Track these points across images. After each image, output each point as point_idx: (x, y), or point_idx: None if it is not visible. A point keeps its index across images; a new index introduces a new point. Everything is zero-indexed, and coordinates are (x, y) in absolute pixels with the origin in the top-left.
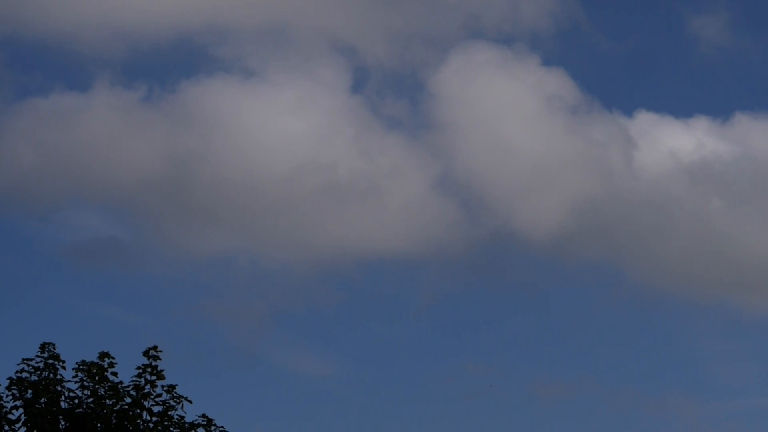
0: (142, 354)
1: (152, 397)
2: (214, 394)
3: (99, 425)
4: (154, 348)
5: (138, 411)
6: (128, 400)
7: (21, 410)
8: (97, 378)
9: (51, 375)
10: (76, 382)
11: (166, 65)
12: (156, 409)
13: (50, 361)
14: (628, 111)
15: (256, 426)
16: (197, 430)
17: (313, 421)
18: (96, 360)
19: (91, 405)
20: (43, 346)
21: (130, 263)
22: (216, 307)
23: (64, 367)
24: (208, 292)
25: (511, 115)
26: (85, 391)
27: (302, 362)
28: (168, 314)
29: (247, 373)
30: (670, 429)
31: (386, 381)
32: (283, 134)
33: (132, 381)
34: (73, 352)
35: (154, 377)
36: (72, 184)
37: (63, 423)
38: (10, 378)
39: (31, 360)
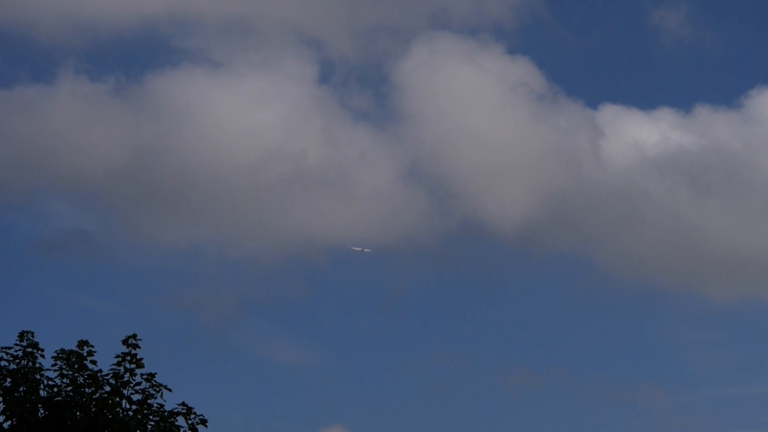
0: (121, 342)
1: (132, 385)
2: (192, 383)
3: (78, 414)
4: (134, 336)
5: (117, 399)
6: (107, 388)
7: (0, 399)
8: (76, 366)
9: (30, 363)
10: (55, 370)
11: (130, 56)
12: (135, 397)
13: (29, 350)
14: (593, 103)
15: (234, 413)
16: (177, 418)
17: (287, 408)
18: (75, 348)
19: (71, 393)
20: (21, 335)
21: (99, 254)
22: (188, 297)
23: (43, 356)
24: (179, 283)
25: (477, 104)
26: (64, 380)
27: (275, 351)
28: (140, 304)
29: (222, 361)
30: (641, 418)
31: (357, 370)
32: (250, 124)
33: (111, 369)
34: (49, 341)
35: (133, 366)
36: (40, 176)
37: (42, 411)
38: None
39: (9, 348)
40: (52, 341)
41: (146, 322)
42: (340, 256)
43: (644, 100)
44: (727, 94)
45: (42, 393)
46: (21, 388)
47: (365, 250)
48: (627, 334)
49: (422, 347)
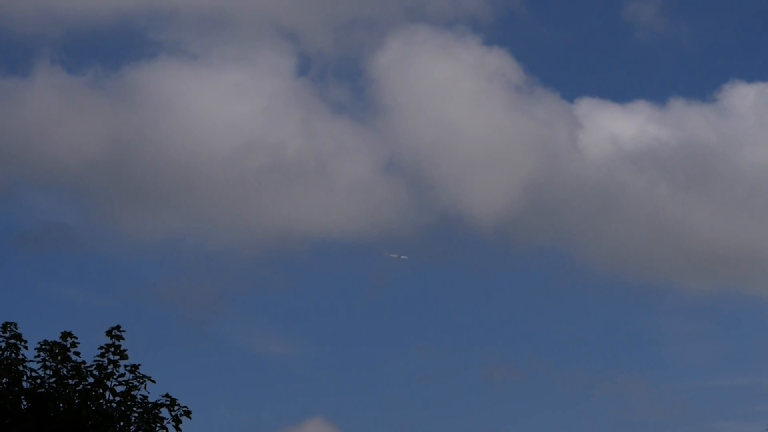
0: (104, 334)
1: (115, 377)
2: (174, 374)
3: (61, 405)
4: (117, 328)
5: (101, 391)
6: (91, 380)
7: None
8: (59, 358)
9: (13, 355)
10: (38, 362)
11: (107, 48)
12: (119, 389)
13: (12, 341)
14: (570, 95)
15: (216, 404)
16: (160, 410)
17: (268, 399)
18: (58, 340)
19: (54, 385)
20: (4, 326)
21: (79, 246)
22: (167, 289)
23: (26, 347)
24: (158, 275)
25: (454, 96)
26: (48, 371)
27: (256, 342)
28: (121, 296)
29: (203, 352)
30: (622, 409)
31: (337, 362)
32: (228, 116)
33: (95, 361)
34: (31, 333)
35: (117, 357)
36: (17, 168)
37: (25, 403)
38: None
39: None
40: (34, 333)
41: (127, 314)
42: (320, 247)
43: (620, 93)
44: (702, 88)
45: (25, 384)
46: (4, 380)
47: (402, 257)
48: (607, 327)
49: (402, 339)
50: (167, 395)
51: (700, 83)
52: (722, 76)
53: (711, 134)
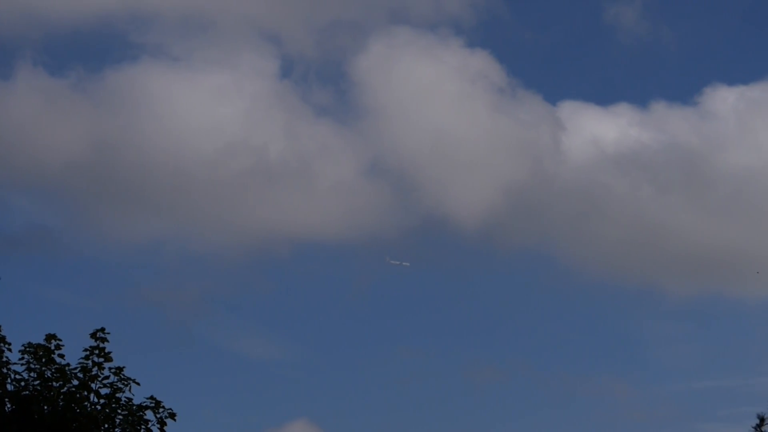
0: (89, 336)
1: (100, 379)
2: (158, 376)
3: (46, 407)
4: (102, 330)
5: (85, 393)
6: (75, 382)
7: None
8: (43, 360)
9: None
10: (22, 364)
11: (89, 50)
12: (103, 391)
13: None
14: (552, 98)
15: (200, 406)
16: (145, 412)
17: (252, 401)
18: (43, 342)
19: (38, 387)
20: None
21: (62, 249)
22: (151, 291)
23: (10, 350)
24: (142, 277)
25: (437, 98)
26: (32, 374)
27: (239, 345)
28: (104, 298)
29: (187, 355)
30: (606, 411)
31: (321, 364)
32: (211, 119)
33: (79, 363)
34: (14, 335)
35: (101, 359)
36: (0, 170)
37: (9, 405)
38: None
39: None
40: (18, 335)
41: (111, 316)
42: (303, 249)
43: (602, 95)
44: (683, 91)
45: (9, 387)
46: None
47: (404, 263)
48: (590, 329)
49: (386, 341)
50: (152, 397)
51: (682, 86)
52: (703, 79)
53: (693, 137)
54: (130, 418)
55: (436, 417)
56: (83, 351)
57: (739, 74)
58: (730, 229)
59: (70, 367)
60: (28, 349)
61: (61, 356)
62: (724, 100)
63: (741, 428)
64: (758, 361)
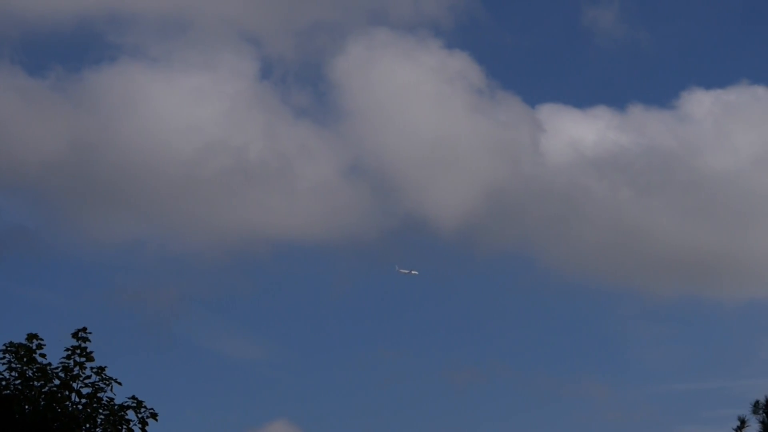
0: (71, 336)
1: (81, 378)
2: (137, 376)
3: (27, 407)
4: (84, 330)
5: (67, 393)
6: (57, 382)
7: None
8: (25, 360)
9: None
10: (3, 363)
11: (67, 50)
12: (85, 391)
13: None
14: (531, 100)
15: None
16: (127, 412)
17: (231, 402)
18: (24, 341)
19: (19, 387)
20: None
21: (40, 249)
22: (130, 292)
23: None
24: (121, 277)
25: (416, 99)
26: (13, 373)
27: (219, 345)
28: (83, 298)
29: (167, 355)
30: (586, 413)
31: (300, 365)
32: (190, 119)
33: (61, 363)
34: None
35: (83, 359)
36: None
37: None
38: None
39: None
40: None
41: (91, 316)
42: (283, 250)
43: (580, 98)
44: (660, 95)
45: None
46: None
47: (412, 272)
48: (570, 331)
49: (366, 342)
50: (134, 397)
51: (660, 90)
52: (681, 83)
53: (671, 140)
54: (111, 417)
55: (416, 418)
56: (65, 350)
57: (716, 78)
58: (709, 231)
59: (52, 367)
60: (9, 348)
61: (43, 356)
62: (701, 104)
63: (721, 430)
64: (738, 363)
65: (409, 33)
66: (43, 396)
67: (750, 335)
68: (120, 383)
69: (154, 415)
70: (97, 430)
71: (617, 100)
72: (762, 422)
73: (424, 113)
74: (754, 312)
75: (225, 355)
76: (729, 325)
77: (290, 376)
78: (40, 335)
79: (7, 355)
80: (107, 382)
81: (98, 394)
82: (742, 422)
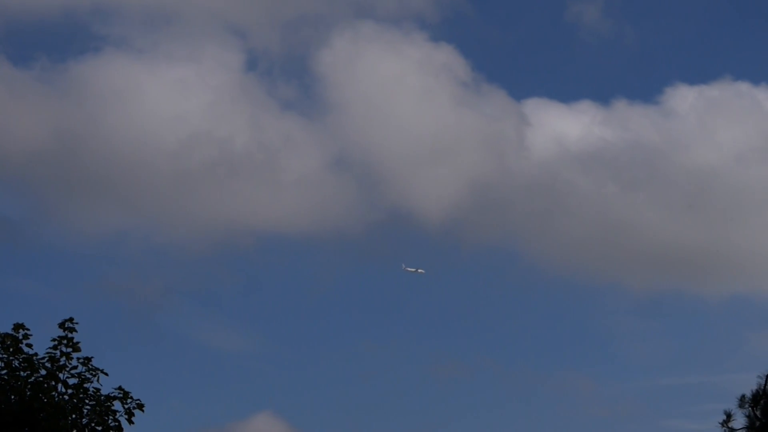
0: (57, 326)
1: (68, 369)
2: (123, 366)
3: (13, 397)
4: (70, 320)
5: (53, 383)
6: (43, 372)
7: None
8: (11, 350)
9: None
10: None
11: (52, 41)
12: (71, 381)
13: None
14: (516, 94)
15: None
16: (113, 402)
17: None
18: (10, 332)
19: (5, 377)
20: None
21: (26, 239)
22: (115, 283)
23: None
24: (106, 268)
25: (401, 92)
26: None
27: (204, 336)
28: (68, 289)
29: (151, 346)
30: (570, 407)
31: (285, 356)
32: (175, 110)
33: (47, 353)
34: None
35: (69, 350)
36: None
37: None
38: None
39: None
40: None
41: (76, 307)
42: (267, 242)
43: (565, 92)
44: (645, 90)
45: None
46: None
47: (419, 270)
48: (554, 325)
49: (350, 335)
50: (120, 388)
51: (644, 85)
52: (665, 78)
53: (655, 135)
54: (97, 408)
55: (400, 411)
56: (51, 341)
57: (699, 74)
58: (693, 226)
59: (38, 357)
60: None
61: (29, 346)
62: (685, 99)
63: (706, 425)
64: (723, 357)
65: (395, 26)
66: (29, 386)
67: (735, 329)
68: (106, 374)
69: (140, 406)
70: (84, 420)
71: (602, 95)
72: (748, 416)
73: (409, 106)
74: (738, 306)
75: (210, 346)
76: (714, 319)
77: (275, 368)
78: (29, 326)
79: None
80: (93, 373)
81: (84, 385)
82: (728, 416)
